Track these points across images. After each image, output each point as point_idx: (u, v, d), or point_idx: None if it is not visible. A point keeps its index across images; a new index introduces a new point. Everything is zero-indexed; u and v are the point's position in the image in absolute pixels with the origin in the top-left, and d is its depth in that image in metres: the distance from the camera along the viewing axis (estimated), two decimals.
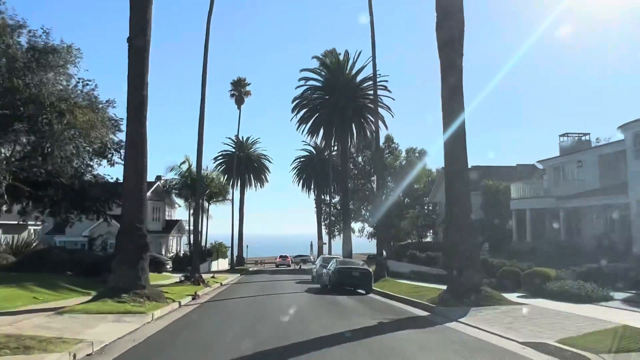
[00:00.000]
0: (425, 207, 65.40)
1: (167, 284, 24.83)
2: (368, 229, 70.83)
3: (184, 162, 48.76)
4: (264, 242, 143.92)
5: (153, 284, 22.96)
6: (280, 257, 68.69)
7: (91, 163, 22.82)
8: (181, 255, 46.59)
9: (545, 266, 20.48)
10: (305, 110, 43.12)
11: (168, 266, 37.73)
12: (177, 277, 28.99)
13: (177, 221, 52.44)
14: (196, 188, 47.77)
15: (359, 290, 22.68)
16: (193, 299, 18.34)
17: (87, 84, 20.50)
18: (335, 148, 48.62)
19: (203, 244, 52.79)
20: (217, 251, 56.41)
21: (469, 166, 16.27)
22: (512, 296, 16.91)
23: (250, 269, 57.05)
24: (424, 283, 24.45)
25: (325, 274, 24.63)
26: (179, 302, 16.07)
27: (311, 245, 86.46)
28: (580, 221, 31.17)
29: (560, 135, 35.95)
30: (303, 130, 43.93)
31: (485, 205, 38.64)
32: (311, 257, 76.65)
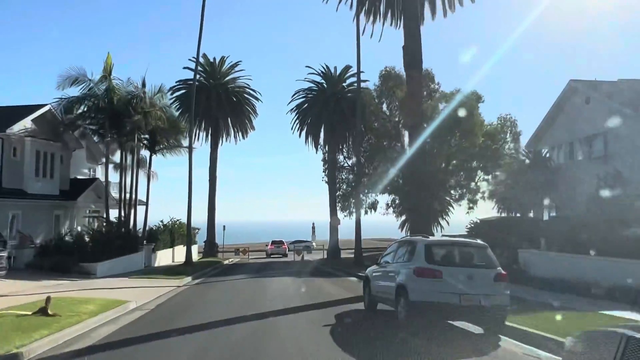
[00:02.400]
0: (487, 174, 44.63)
1: None
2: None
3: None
4: (251, 229, 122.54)
5: None
6: (274, 243, 46.86)
7: None
8: (69, 238, 24.07)
9: None
10: None
11: None
12: None
13: (92, 180, 30.27)
14: (118, 111, 25.93)
15: None
16: None
17: None
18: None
19: (141, 220, 30.86)
20: (172, 234, 34.45)
21: None
22: None
23: (225, 262, 35.47)
24: None
25: None
26: None
27: (313, 227, 65.20)
28: None
29: None
30: None
31: None
32: (314, 244, 55.20)
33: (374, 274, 10.87)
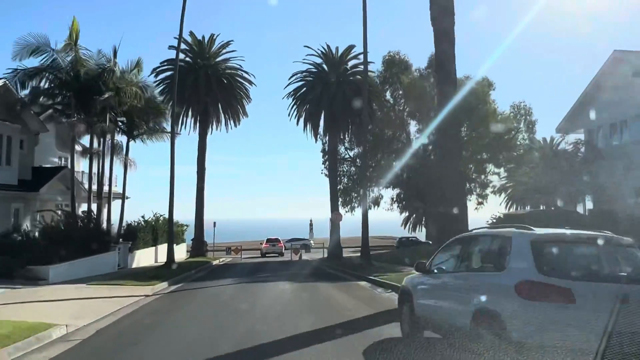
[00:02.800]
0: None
1: None
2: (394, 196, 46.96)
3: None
4: (248, 227, 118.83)
5: None
6: (269, 241, 42.96)
7: None
8: (19, 236, 19.94)
9: None
10: None
11: None
12: None
13: (59, 169, 26.31)
14: (86, 86, 22.05)
15: None
16: None
17: None
18: None
19: (116, 217, 27.08)
20: (154, 231, 30.55)
21: None
22: None
23: (215, 262, 31.75)
24: None
25: None
26: None
27: (310, 224, 61.63)
28: None
29: None
30: None
31: None
32: (312, 242, 51.63)
33: (419, 287, 7.10)
